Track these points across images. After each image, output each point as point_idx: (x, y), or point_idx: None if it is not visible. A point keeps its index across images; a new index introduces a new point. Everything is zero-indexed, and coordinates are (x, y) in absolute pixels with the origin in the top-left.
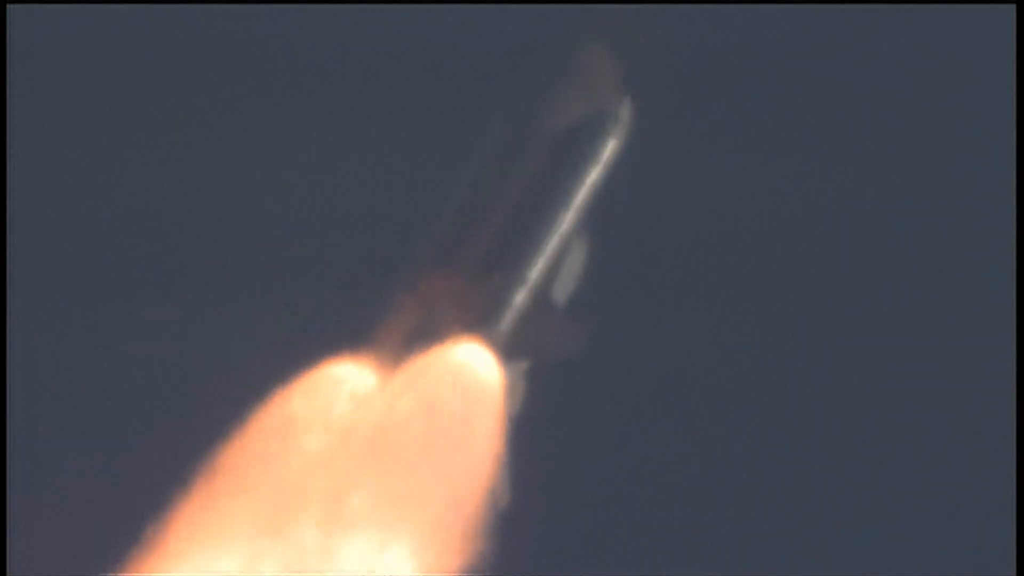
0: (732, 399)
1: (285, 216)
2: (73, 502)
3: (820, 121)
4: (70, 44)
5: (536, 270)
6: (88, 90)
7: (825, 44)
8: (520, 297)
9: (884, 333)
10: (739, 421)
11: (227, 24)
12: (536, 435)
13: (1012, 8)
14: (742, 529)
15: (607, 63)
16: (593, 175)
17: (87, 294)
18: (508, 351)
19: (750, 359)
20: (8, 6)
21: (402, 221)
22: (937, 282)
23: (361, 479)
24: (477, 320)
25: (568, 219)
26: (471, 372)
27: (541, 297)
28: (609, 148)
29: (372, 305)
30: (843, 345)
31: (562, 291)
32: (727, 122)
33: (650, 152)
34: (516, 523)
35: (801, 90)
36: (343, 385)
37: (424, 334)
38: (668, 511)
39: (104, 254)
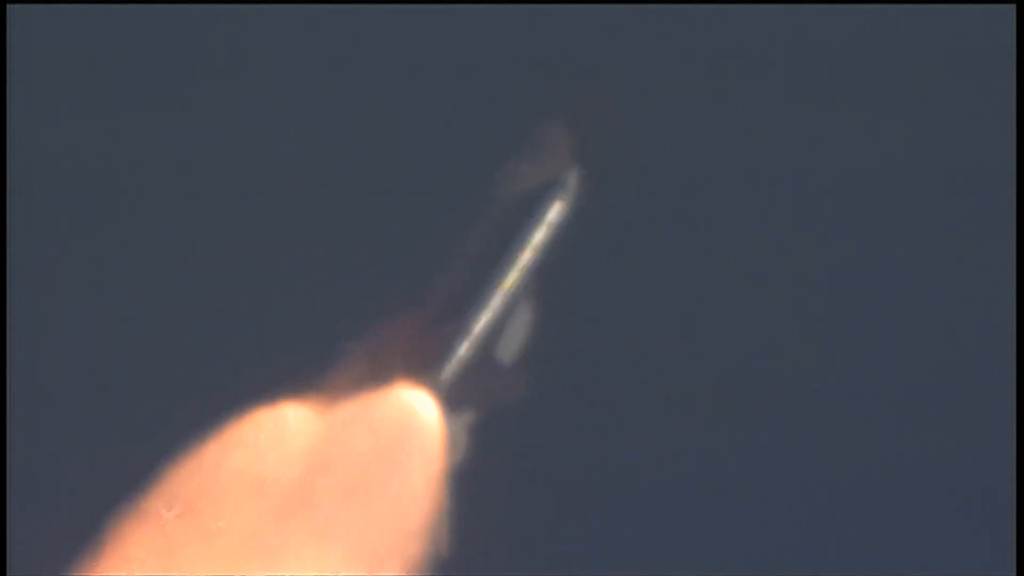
0: (685, 452)
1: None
2: None
3: (807, 128)
4: (70, 44)
5: (481, 324)
6: (88, 90)
7: (824, 46)
8: (464, 349)
9: (881, 343)
10: (697, 473)
11: (227, 24)
12: (478, 488)
13: (1012, 8)
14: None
15: (561, 137)
16: (539, 237)
17: (86, 294)
18: (450, 400)
19: (703, 411)
20: (8, 6)
21: (355, 271)
22: (936, 283)
23: (293, 520)
24: (420, 367)
25: (513, 277)
26: (410, 413)
27: (485, 352)
28: (556, 212)
29: (318, 352)
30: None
31: (507, 350)
32: (684, 186)
33: (597, 218)
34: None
35: (782, 109)
36: (279, 427)
37: (366, 379)
38: (617, 566)
39: (103, 254)
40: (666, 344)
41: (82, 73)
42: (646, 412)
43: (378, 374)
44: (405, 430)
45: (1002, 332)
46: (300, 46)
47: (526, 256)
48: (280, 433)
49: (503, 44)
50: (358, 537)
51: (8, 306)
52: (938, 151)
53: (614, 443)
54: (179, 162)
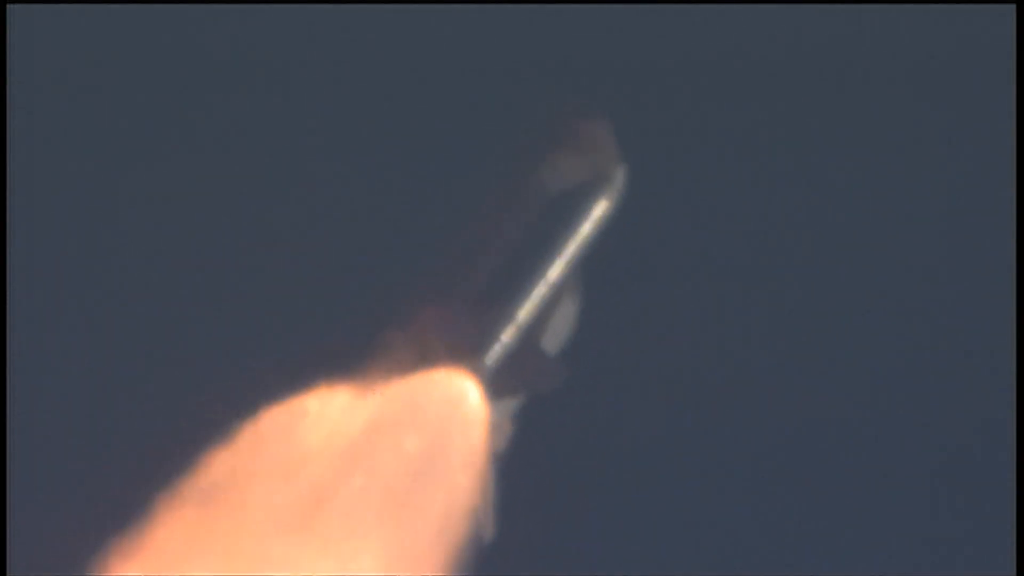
0: (717, 444)
1: (280, 243)
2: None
3: (807, 126)
4: (70, 44)
5: (525, 312)
6: (88, 90)
7: (824, 46)
8: (508, 336)
9: (882, 343)
10: (726, 464)
11: (227, 25)
12: (524, 474)
13: (1012, 8)
14: (738, 563)
15: (605, 133)
16: (584, 231)
17: (83, 295)
18: (494, 386)
19: (734, 404)
20: (8, 6)
21: (398, 256)
22: (936, 283)
23: (339, 497)
24: (464, 352)
25: (558, 268)
26: (455, 396)
27: (530, 341)
28: (601, 208)
29: (363, 336)
30: (836, 379)
31: (552, 341)
32: (719, 184)
33: (641, 214)
34: (500, 558)
35: (794, 124)
36: (326, 408)
37: (412, 363)
38: (655, 553)
39: (102, 255)
40: (704, 338)
41: (82, 73)
42: (685, 404)
43: (422, 359)
44: (449, 413)
45: (1002, 332)
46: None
47: (571, 249)
48: (324, 415)
49: (553, 44)
50: (401, 520)
51: (10, 299)
52: (938, 150)
53: (653, 433)
54: (175, 158)
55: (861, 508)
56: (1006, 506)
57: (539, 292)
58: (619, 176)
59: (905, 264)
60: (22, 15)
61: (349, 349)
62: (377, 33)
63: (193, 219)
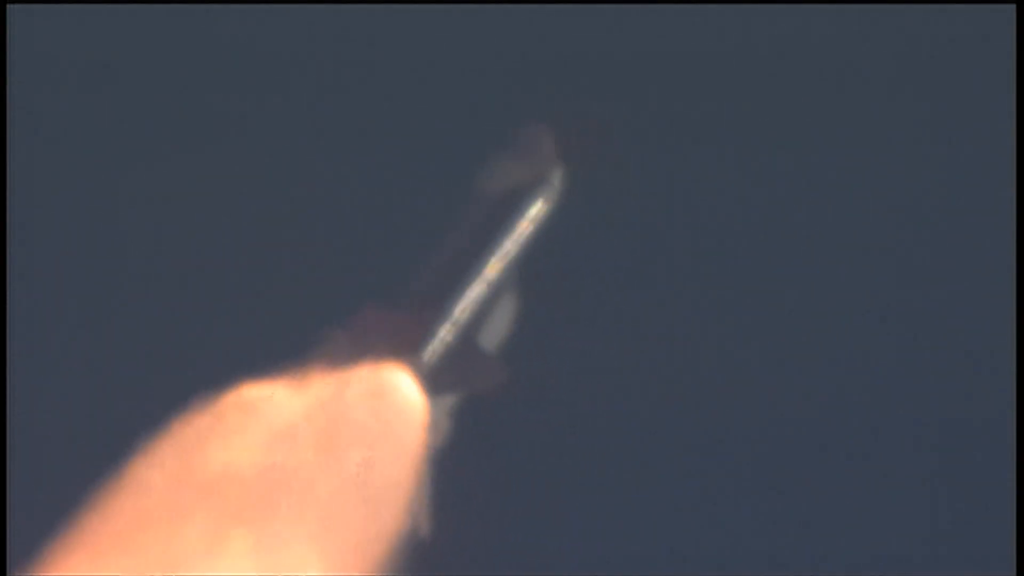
0: (659, 440)
1: (222, 241)
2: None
3: (806, 126)
4: (70, 44)
5: (462, 310)
6: (88, 90)
7: (824, 46)
8: (446, 333)
9: (882, 344)
10: (669, 461)
11: (227, 25)
12: (460, 471)
13: (1012, 8)
14: (693, 558)
15: (545, 136)
16: (522, 230)
17: (82, 293)
18: (432, 383)
19: (677, 397)
20: (8, 6)
21: (337, 256)
22: (935, 283)
23: (271, 492)
24: (401, 348)
25: (495, 267)
26: (391, 388)
27: (468, 339)
28: (539, 208)
29: (301, 332)
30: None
31: (491, 339)
32: (665, 183)
33: (578, 214)
34: (436, 554)
35: (792, 123)
36: (261, 402)
37: (349, 358)
38: (590, 550)
39: (102, 254)
40: (645, 337)
41: (82, 73)
42: (625, 403)
43: (359, 355)
44: (384, 406)
45: (1002, 332)
46: (289, 46)
47: (509, 249)
48: (259, 409)
49: (492, 45)
50: (337, 511)
51: (8, 296)
52: (938, 150)
53: (592, 432)
54: (174, 157)
55: (861, 508)
56: (1006, 506)
57: (477, 290)
58: (557, 178)
59: (902, 265)
60: (22, 15)
61: (286, 344)
62: (325, 36)
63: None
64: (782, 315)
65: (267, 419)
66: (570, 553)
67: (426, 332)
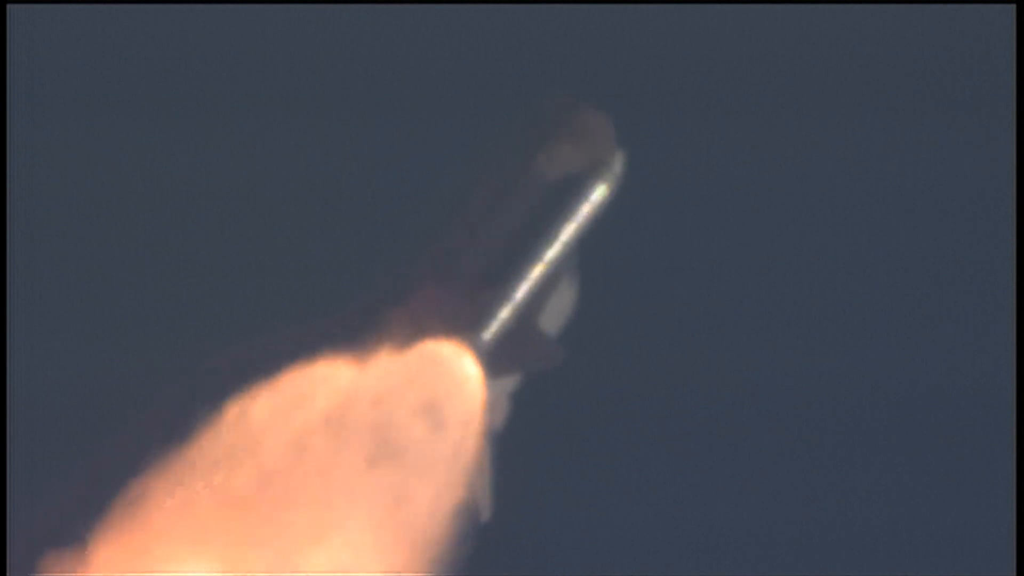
0: (715, 423)
1: (289, 222)
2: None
3: (809, 128)
4: (70, 44)
5: (522, 292)
6: (88, 90)
7: (824, 46)
8: (505, 313)
9: (883, 344)
10: (722, 445)
11: (227, 25)
12: (522, 454)
13: (1012, 8)
14: (730, 546)
15: (603, 123)
16: (582, 215)
17: (85, 287)
18: (492, 363)
19: (729, 383)
20: (8, 6)
21: (398, 237)
22: (936, 283)
23: (337, 469)
24: (461, 327)
25: (555, 250)
26: (451, 363)
27: (528, 321)
28: (599, 193)
29: (363, 313)
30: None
31: (551, 323)
32: (717, 172)
33: (638, 199)
34: (496, 538)
35: (792, 117)
36: (327, 379)
37: (410, 337)
38: (651, 534)
39: (102, 250)
40: (700, 325)
41: (82, 73)
42: (682, 389)
43: (420, 333)
44: (445, 381)
45: (1002, 333)
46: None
47: (568, 232)
48: (324, 386)
49: (555, 36)
50: (397, 489)
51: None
52: (938, 150)
53: (650, 418)
54: (183, 156)
55: (861, 508)
56: (1006, 506)
57: (536, 273)
58: (617, 164)
59: (906, 263)
60: (22, 15)
61: (348, 324)
62: (387, 27)
63: (199, 202)
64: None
65: (328, 397)
66: (621, 536)
67: (486, 312)
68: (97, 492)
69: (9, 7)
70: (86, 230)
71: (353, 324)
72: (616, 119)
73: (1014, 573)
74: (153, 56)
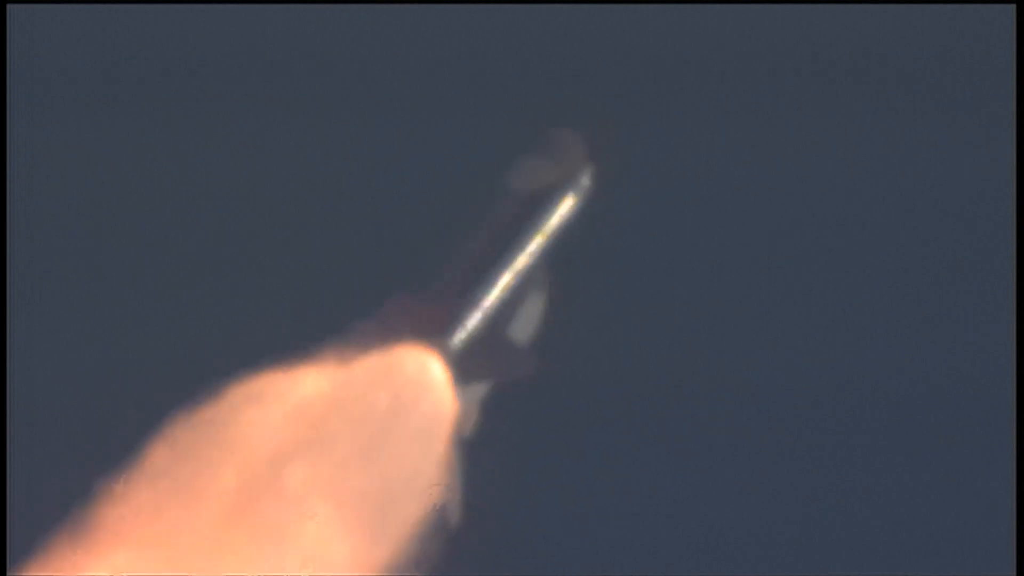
0: (687, 429)
1: (256, 234)
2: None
3: (809, 128)
4: (70, 44)
5: (491, 300)
6: (88, 90)
7: (824, 46)
8: (474, 321)
9: (883, 345)
10: (696, 452)
11: (227, 24)
12: (490, 461)
13: (1012, 8)
14: (712, 552)
15: (574, 140)
16: (550, 225)
17: (84, 286)
18: (461, 370)
19: (699, 389)
20: (8, 6)
21: (367, 248)
22: (936, 283)
23: (301, 474)
24: (430, 335)
25: (523, 259)
26: (419, 369)
27: (497, 329)
28: (567, 204)
29: (332, 320)
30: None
31: (521, 332)
32: (690, 182)
33: (607, 212)
34: (464, 544)
35: (792, 116)
36: (294, 384)
37: (377, 343)
38: (619, 540)
39: (101, 249)
40: (670, 333)
41: (82, 73)
42: (650, 397)
43: (389, 339)
44: (414, 386)
45: (1002, 332)
46: (326, 48)
47: (536, 241)
48: (286, 394)
49: (527, 49)
50: (364, 496)
51: (9, 285)
52: (938, 150)
53: (619, 425)
54: (182, 157)
55: (861, 508)
56: (1006, 506)
57: (505, 281)
58: (586, 178)
59: (905, 263)
60: (22, 15)
61: (316, 331)
62: (358, 36)
63: (178, 213)
64: (799, 314)
65: (294, 403)
66: (593, 546)
67: (454, 319)
68: (77, 490)
69: (9, 7)
70: (86, 230)
71: (323, 331)
72: (586, 130)
73: (1014, 573)
74: (153, 56)
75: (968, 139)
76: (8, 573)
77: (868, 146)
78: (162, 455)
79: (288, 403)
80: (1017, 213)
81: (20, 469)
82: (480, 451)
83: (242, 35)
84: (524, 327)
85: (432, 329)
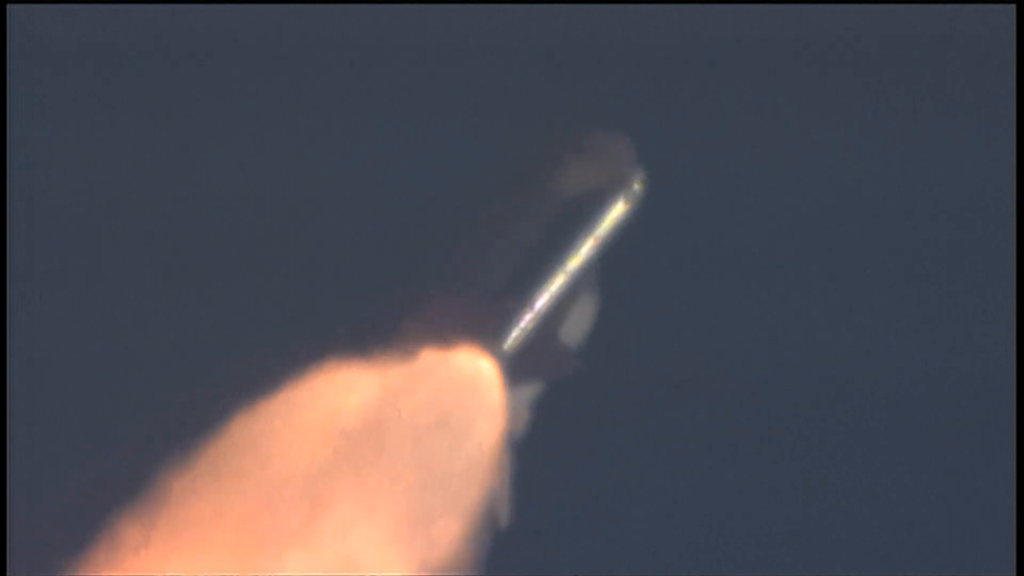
0: (733, 431)
1: (308, 227)
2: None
3: (810, 128)
4: (70, 44)
5: (543, 301)
6: (88, 90)
7: (823, 49)
8: (525, 323)
9: (884, 345)
10: (737, 452)
11: (227, 24)
12: (541, 462)
13: (1012, 8)
14: (743, 554)
15: (622, 141)
16: (602, 229)
17: (88, 288)
18: (512, 371)
19: (747, 393)
20: (8, 6)
21: (419, 247)
22: (936, 283)
23: (354, 474)
24: (482, 335)
25: (575, 261)
26: (472, 372)
27: (548, 331)
28: (619, 209)
29: (382, 321)
30: (843, 377)
31: (571, 334)
32: (734, 189)
33: (659, 216)
34: (514, 544)
35: (793, 116)
36: (344, 383)
37: (429, 344)
38: (669, 540)
39: (104, 250)
40: (718, 337)
41: (82, 73)
42: (699, 401)
43: (440, 340)
44: (466, 390)
45: (1001, 332)
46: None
47: (588, 244)
48: (343, 389)
49: (576, 52)
50: (415, 496)
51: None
52: (939, 150)
53: (667, 429)
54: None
55: (861, 508)
56: (1006, 506)
57: (557, 283)
58: (636, 182)
59: (905, 263)
60: (22, 15)
61: (367, 331)
62: (413, 36)
63: (206, 203)
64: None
65: (343, 404)
66: (638, 545)
67: (506, 320)
68: (98, 503)
69: (9, 7)
70: (86, 231)
71: (371, 331)
72: (637, 136)
73: (1014, 573)
74: (153, 56)
75: (968, 139)
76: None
77: (868, 146)
78: (201, 459)
79: (336, 405)
80: (1017, 213)
81: (21, 469)
82: (531, 452)
83: (243, 35)
84: (575, 329)
85: (483, 330)
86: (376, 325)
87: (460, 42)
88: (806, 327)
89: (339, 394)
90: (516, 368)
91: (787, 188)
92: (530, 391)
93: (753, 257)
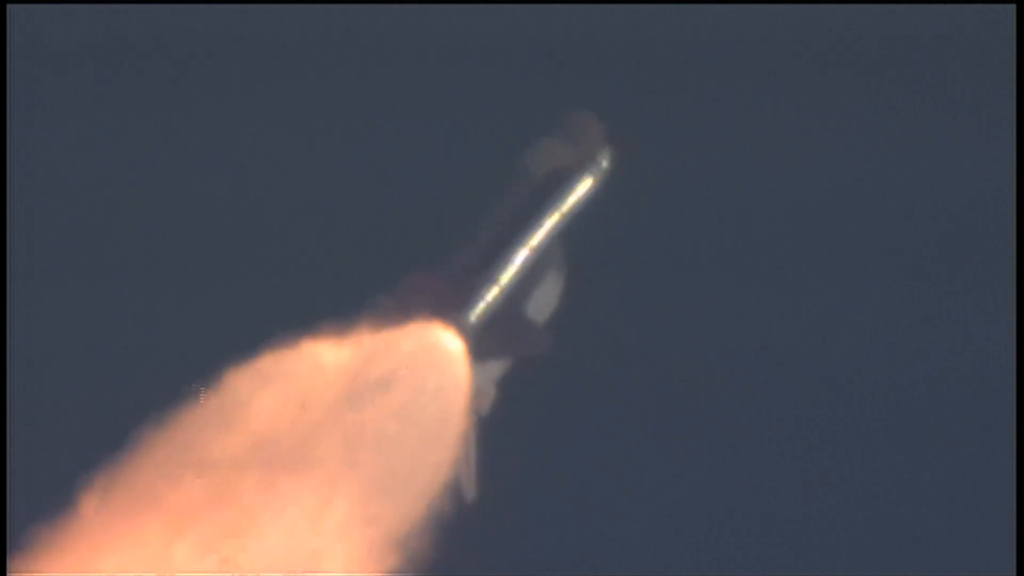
0: (702, 412)
1: (282, 211)
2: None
3: (811, 127)
4: (70, 44)
5: (508, 276)
6: (88, 90)
7: (823, 49)
8: (491, 296)
9: (885, 346)
10: (709, 435)
11: (227, 24)
12: (507, 439)
13: (1012, 8)
14: (717, 534)
15: (592, 123)
16: (567, 204)
17: (84, 283)
18: (478, 346)
19: (715, 373)
20: (8, 6)
21: (385, 226)
22: (936, 283)
23: (318, 447)
24: (448, 309)
25: (540, 237)
26: (436, 343)
27: (514, 307)
28: (585, 185)
29: (350, 297)
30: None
31: (538, 311)
32: (704, 168)
33: (624, 193)
34: (480, 521)
35: (786, 107)
36: (312, 360)
37: (395, 319)
38: (635, 521)
39: (101, 245)
40: (684, 315)
41: (82, 73)
42: (665, 379)
43: (406, 316)
44: (431, 360)
45: (1001, 333)
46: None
47: (554, 219)
48: (309, 364)
49: (543, 32)
50: (380, 467)
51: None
52: (939, 150)
53: (633, 407)
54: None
55: (861, 508)
56: (1006, 506)
57: (522, 258)
58: (603, 160)
59: (906, 263)
60: (22, 15)
61: (335, 307)
62: (378, 29)
63: (194, 193)
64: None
65: (310, 379)
66: (605, 524)
67: (472, 294)
68: (78, 474)
69: (9, 7)
70: (85, 230)
71: (341, 307)
72: (605, 114)
73: (1014, 573)
74: (153, 56)
75: (968, 139)
76: (7, 573)
77: (867, 146)
78: (172, 438)
79: (304, 379)
80: (1017, 213)
81: (20, 462)
82: (496, 429)
83: (243, 35)
84: (541, 306)
85: (449, 305)
86: (344, 302)
87: (431, 27)
88: (784, 309)
89: (305, 372)
90: (482, 344)
91: (787, 188)
92: (497, 368)
93: (727, 238)
